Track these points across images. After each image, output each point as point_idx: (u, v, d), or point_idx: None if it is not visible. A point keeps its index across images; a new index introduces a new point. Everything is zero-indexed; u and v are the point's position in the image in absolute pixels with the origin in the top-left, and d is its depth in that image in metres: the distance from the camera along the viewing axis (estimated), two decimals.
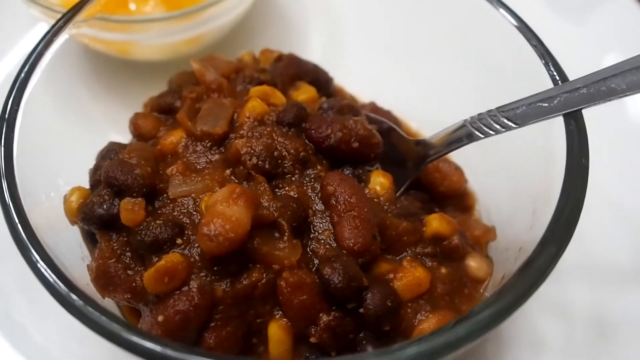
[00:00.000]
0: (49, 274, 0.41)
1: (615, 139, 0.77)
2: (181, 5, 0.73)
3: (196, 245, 0.50)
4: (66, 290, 0.41)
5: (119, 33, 0.68)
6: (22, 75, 0.53)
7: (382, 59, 0.77)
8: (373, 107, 0.73)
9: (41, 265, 0.42)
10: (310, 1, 0.90)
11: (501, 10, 0.58)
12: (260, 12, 0.86)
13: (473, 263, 0.56)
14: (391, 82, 0.74)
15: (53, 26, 0.56)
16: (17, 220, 0.44)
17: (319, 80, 0.70)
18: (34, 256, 0.42)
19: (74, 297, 0.41)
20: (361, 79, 0.76)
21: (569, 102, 0.50)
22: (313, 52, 0.83)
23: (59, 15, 0.71)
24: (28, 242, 0.43)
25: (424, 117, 0.74)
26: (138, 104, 0.70)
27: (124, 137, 0.66)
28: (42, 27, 0.91)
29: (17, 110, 0.51)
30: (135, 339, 0.38)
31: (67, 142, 0.64)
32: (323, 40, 0.86)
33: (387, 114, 0.72)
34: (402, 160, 0.64)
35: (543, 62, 0.53)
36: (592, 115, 0.51)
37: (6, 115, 0.50)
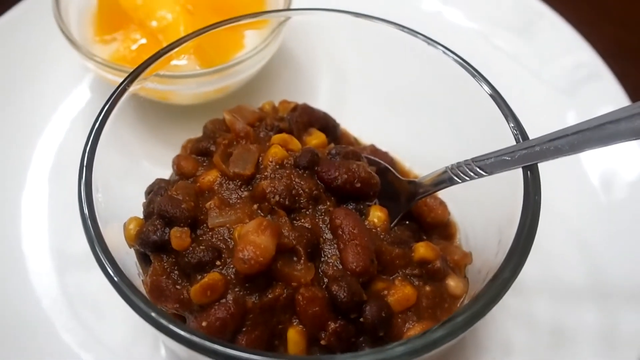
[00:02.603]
0: (127, 290, 0.54)
1: (574, 180, 0.90)
2: (212, 61, 0.86)
3: (232, 266, 0.60)
4: (140, 301, 0.54)
5: (164, 85, 0.80)
6: (96, 127, 0.65)
7: (381, 107, 0.87)
8: (373, 149, 0.84)
9: (120, 282, 0.55)
10: (319, 55, 1.01)
11: (478, 80, 0.69)
12: (277, 64, 0.98)
13: (452, 282, 0.67)
14: (389, 127, 0.85)
15: (121, 85, 0.69)
16: (99, 248, 0.57)
17: (328, 126, 0.81)
18: (116, 277, 0.55)
19: (149, 308, 0.53)
20: (363, 124, 0.86)
21: (527, 157, 0.61)
22: (321, 99, 0.95)
23: (108, 68, 0.85)
24: (110, 265, 0.56)
25: (415, 157, 0.85)
26: (174, 142, 0.81)
27: (164, 170, 0.78)
28: (92, 77, 1.05)
29: (92, 158, 0.64)
30: (195, 338, 0.51)
31: (120, 177, 0.74)
32: (330, 90, 0.97)
33: (385, 155, 0.83)
34: (395, 196, 0.74)
35: (509, 123, 0.65)
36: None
37: (85, 162, 0.63)
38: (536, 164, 0.62)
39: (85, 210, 0.59)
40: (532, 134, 0.65)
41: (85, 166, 0.63)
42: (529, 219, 0.59)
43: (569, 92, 1.00)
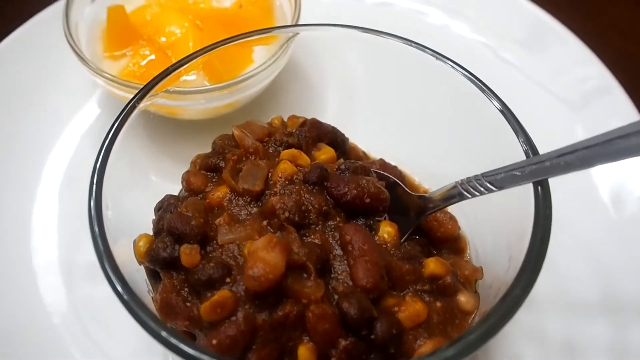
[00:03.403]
0: (136, 307, 0.54)
1: (584, 195, 0.90)
2: (221, 77, 0.86)
3: (241, 283, 0.60)
4: (150, 319, 0.54)
5: (173, 100, 0.80)
6: (106, 144, 0.65)
7: (389, 121, 0.87)
8: (382, 163, 0.83)
9: (130, 300, 0.55)
10: (327, 70, 1.01)
11: (488, 95, 0.69)
12: (285, 79, 0.99)
13: (463, 298, 0.67)
14: (397, 141, 0.85)
15: (131, 101, 0.69)
16: (108, 266, 0.57)
17: (336, 140, 0.81)
18: (126, 295, 0.55)
19: (160, 327, 0.53)
20: (372, 138, 0.86)
21: (537, 172, 0.61)
22: (330, 113, 0.95)
23: (117, 84, 0.86)
24: (120, 283, 0.55)
25: (425, 171, 0.85)
26: (182, 157, 0.80)
27: (173, 185, 0.78)
28: (101, 93, 1.05)
29: (102, 176, 0.64)
30: (205, 356, 0.51)
31: (129, 193, 0.74)
32: (339, 104, 0.97)
33: (394, 169, 0.83)
34: (405, 210, 0.74)
35: (519, 139, 0.65)
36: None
37: (95, 179, 0.63)
38: (546, 179, 0.62)
39: (96, 229, 0.59)
40: (541, 148, 0.65)
41: (96, 184, 0.63)
42: (540, 235, 0.59)
43: (578, 105, 1.00)
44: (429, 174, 0.85)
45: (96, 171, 0.64)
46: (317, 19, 0.93)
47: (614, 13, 1.31)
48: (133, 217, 0.72)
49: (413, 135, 0.86)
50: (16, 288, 0.85)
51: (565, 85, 1.04)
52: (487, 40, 1.14)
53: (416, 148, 0.85)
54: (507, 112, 0.68)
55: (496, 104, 0.68)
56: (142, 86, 0.74)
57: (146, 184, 0.84)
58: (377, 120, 0.90)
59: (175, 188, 0.79)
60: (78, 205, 0.92)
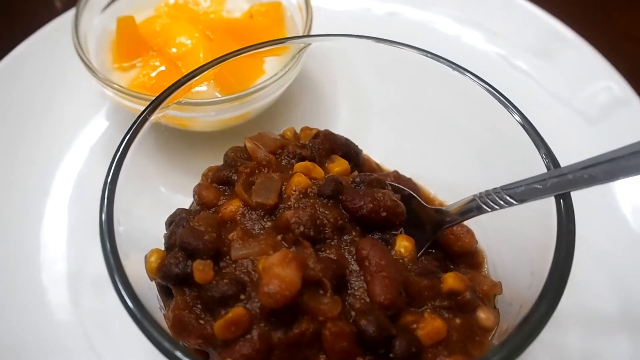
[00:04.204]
0: (149, 326, 0.53)
1: (605, 209, 0.88)
2: (233, 88, 0.85)
3: (256, 300, 0.58)
4: (164, 339, 0.52)
5: (184, 112, 0.79)
6: (117, 158, 0.64)
7: (404, 133, 0.86)
8: (396, 175, 0.82)
9: (143, 318, 0.53)
10: (339, 80, 1.00)
11: (508, 108, 0.68)
12: (296, 90, 0.98)
13: (482, 314, 0.65)
14: (411, 153, 0.84)
15: (142, 114, 0.68)
16: (120, 283, 0.56)
17: (350, 152, 0.79)
18: (139, 314, 0.53)
19: (173, 347, 0.52)
20: (385, 150, 0.85)
21: (559, 185, 0.60)
22: (342, 125, 0.94)
23: (126, 96, 0.85)
24: (132, 301, 0.54)
25: (440, 184, 0.83)
26: (193, 169, 0.79)
27: (184, 198, 0.77)
28: (110, 105, 1.05)
29: (114, 190, 0.62)
30: None
31: (139, 207, 0.73)
32: (351, 115, 0.96)
33: (408, 181, 0.82)
34: (421, 224, 0.73)
35: (540, 152, 0.64)
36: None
37: (106, 194, 0.62)
38: (569, 192, 0.60)
39: (107, 244, 0.58)
40: (559, 160, 0.64)
41: (107, 198, 0.62)
42: (564, 250, 0.57)
43: (596, 117, 0.99)
44: (444, 186, 0.83)
45: (107, 185, 0.63)
46: (328, 29, 0.91)
47: (625, 21, 1.30)
48: (143, 231, 0.70)
49: (427, 147, 0.85)
50: (24, 301, 0.83)
51: (582, 97, 1.02)
52: (500, 50, 1.12)
53: (431, 160, 0.84)
54: (527, 125, 0.66)
55: (517, 117, 0.67)
56: (152, 98, 0.73)
57: (156, 197, 0.83)
58: (391, 131, 0.89)
59: (185, 201, 0.78)
60: (86, 218, 0.91)
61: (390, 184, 0.75)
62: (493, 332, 0.66)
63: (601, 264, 0.82)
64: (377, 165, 0.86)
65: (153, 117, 0.69)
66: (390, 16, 1.20)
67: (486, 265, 0.76)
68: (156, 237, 0.71)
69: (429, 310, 0.64)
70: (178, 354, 0.51)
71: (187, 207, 0.76)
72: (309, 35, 0.89)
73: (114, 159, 0.64)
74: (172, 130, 0.93)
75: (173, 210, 0.74)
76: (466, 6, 1.20)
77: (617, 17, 1.31)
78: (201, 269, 0.62)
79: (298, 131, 0.83)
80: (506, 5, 1.19)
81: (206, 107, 0.82)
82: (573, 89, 1.04)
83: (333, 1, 1.18)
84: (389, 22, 1.18)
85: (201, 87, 0.86)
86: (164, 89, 0.82)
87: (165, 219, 0.74)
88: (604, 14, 1.31)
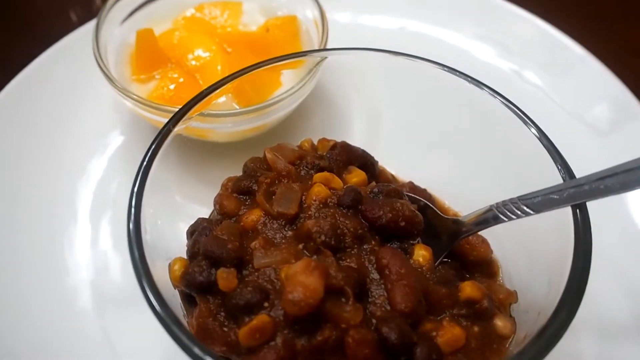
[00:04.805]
0: (179, 332, 0.54)
1: (618, 219, 0.89)
2: (251, 100, 0.87)
3: (280, 307, 0.59)
4: (193, 344, 0.53)
5: (204, 123, 0.80)
6: (143, 167, 0.65)
7: (417, 144, 0.87)
8: (411, 186, 0.83)
9: (172, 324, 0.55)
10: (353, 92, 1.02)
11: (526, 121, 0.70)
12: (311, 101, 0.99)
13: (500, 322, 0.66)
14: (425, 164, 0.84)
15: (166, 125, 0.70)
16: (150, 290, 0.57)
17: (367, 164, 0.80)
18: (168, 318, 0.55)
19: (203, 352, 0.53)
20: (399, 161, 0.86)
21: (576, 195, 0.61)
22: (357, 136, 0.95)
23: (146, 106, 0.86)
24: (162, 308, 0.55)
25: (454, 195, 0.84)
26: (210, 180, 0.81)
27: (200, 208, 0.79)
28: (129, 116, 1.07)
29: (140, 198, 0.64)
30: None
31: (160, 217, 0.74)
32: (365, 126, 0.97)
33: (423, 192, 0.83)
34: (437, 234, 0.74)
35: (556, 164, 0.66)
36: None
37: (133, 202, 0.64)
38: (585, 202, 0.62)
39: (136, 252, 0.59)
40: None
41: (134, 207, 0.63)
42: (581, 259, 0.59)
43: (605, 130, 1.00)
44: (458, 197, 0.84)
45: (134, 194, 0.64)
46: (340, 42, 0.94)
47: (630, 36, 1.32)
48: (166, 241, 0.72)
49: (441, 158, 0.86)
50: (47, 313, 0.85)
51: (592, 111, 1.04)
52: (511, 64, 1.14)
53: (445, 171, 0.85)
54: (544, 138, 0.68)
55: (533, 130, 0.69)
56: (172, 109, 0.75)
57: (174, 206, 0.83)
58: (405, 143, 0.90)
59: (201, 210, 0.79)
60: (107, 226, 0.93)
61: (406, 195, 0.76)
62: (510, 339, 0.67)
63: (615, 272, 0.83)
64: (392, 176, 0.87)
65: (177, 128, 0.71)
66: (401, 30, 1.22)
67: (501, 275, 0.77)
68: (176, 246, 0.72)
69: (447, 318, 0.65)
70: (208, 359, 0.52)
71: (204, 216, 0.77)
72: (327, 49, 0.90)
73: (140, 169, 0.66)
74: (189, 141, 0.94)
75: (189, 219, 0.75)
76: (477, 21, 1.23)
77: (623, 32, 1.33)
78: (225, 277, 0.63)
79: (314, 142, 0.84)
80: (516, 20, 1.21)
81: (226, 119, 0.84)
82: (583, 103, 1.06)
83: (344, 14, 1.20)
84: (400, 35, 1.20)
85: (220, 99, 0.87)
86: (183, 101, 0.83)
87: (184, 228, 0.75)
88: (609, 29, 1.33)
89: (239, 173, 0.80)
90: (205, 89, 0.74)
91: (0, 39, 1.30)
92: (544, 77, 1.12)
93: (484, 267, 0.77)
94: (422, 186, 0.84)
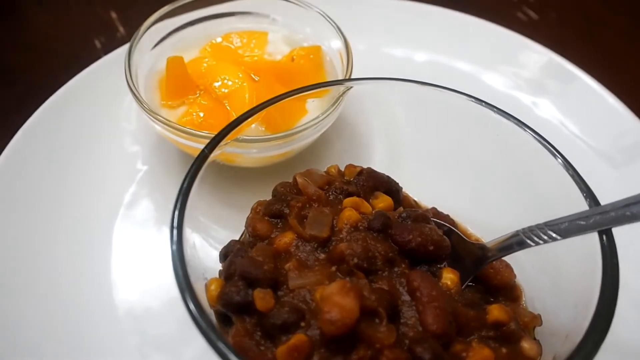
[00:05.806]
0: (225, 348, 0.56)
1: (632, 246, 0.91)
2: (279, 127, 0.90)
3: (316, 327, 0.61)
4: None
5: (235, 148, 0.83)
6: (183, 189, 0.68)
7: (439, 171, 0.90)
8: (435, 212, 0.85)
9: (218, 340, 0.56)
10: (374, 120, 1.05)
11: (551, 150, 0.73)
12: (335, 129, 1.02)
13: (526, 345, 0.68)
14: (447, 191, 0.87)
15: (203, 151, 0.72)
16: (195, 309, 0.59)
17: (392, 189, 0.83)
18: (213, 335, 0.56)
19: None
20: (421, 188, 0.89)
21: (602, 222, 0.63)
22: (378, 163, 0.97)
23: (177, 131, 0.89)
24: (208, 326, 0.57)
25: (476, 221, 0.87)
26: (236, 203, 0.84)
27: (226, 231, 0.82)
28: (157, 140, 1.09)
29: (182, 220, 0.66)
30: None
31: (193, 238, 0.77)
32: (386, 154, 1.00)
33: (447, 218, 0.85)
34: (461, 258, 0.76)
35: (581, 192, 0.69)
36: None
37: (175, 224, 0.66)
38: (610, 228, 0.64)
39: (180, 273, 0.61)
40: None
41: (176, 227, 0.65)
42: (609, 284, 0.61)
43: (619, 161, 1.03)
44: (479, 223, 0.87)
45: (176, 217, 0.66)
46: (361, 70, 0.97)
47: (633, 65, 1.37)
48: (199, 262, 0.73)
49: (462, 185, 0.89)
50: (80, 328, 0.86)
51: (605, 141, 1.07)
52: (524, 95, 1.18)
53: (465, 198, 0.88)
54: (569, 167, 0.71)
55: (559, 159, 0.71)
56: (201, 133, 0.78)
57: (205, 229, 0.86)
58: (427, 170, 0.92)
59: (230, 234, 0.80)
60: (133, 248, 0.95)
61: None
62: None
63: (633, 298, 0.85)
64: (415, 202, 0.89)
65: (213, 154, 0.73)
66: (414, 58, 1.26)
67: (524, 298, 0.79)
68: (209, 267, 0.74)
69: (476, 339, 0.67)
70: None
71: (233, 238, 0.80)
72: (353, 79, 0.93)
73: (180, 192, 0.68)
74: (216, 166, 0.97)
75: (215, 241, 0.78)
76: (488, 52, 1.27)
77: (633, 66, 1.38)
78: (262, 297, 0.65)
79: (340, 168, 0.87)
80: (529, 52, 1.25)
81: (255, 145, 0.86)
82: (594, 133, 1.09)
83: (364, 44, 1.24)
84: (414, 63, 1.24)
85: (250, 127, 0.90)
86: (211, 127, 0.87)
87: (212, 251, 0.78)
88: (619, 66, 1.38)
89: (265, 197, 0.82)
90: (240, 116, 0.77)
91: (25, 61, 1.34)
92: (555, 108, 1.16)
93: (507, 291, 0.78)
94: (445, 212, 0.87)
